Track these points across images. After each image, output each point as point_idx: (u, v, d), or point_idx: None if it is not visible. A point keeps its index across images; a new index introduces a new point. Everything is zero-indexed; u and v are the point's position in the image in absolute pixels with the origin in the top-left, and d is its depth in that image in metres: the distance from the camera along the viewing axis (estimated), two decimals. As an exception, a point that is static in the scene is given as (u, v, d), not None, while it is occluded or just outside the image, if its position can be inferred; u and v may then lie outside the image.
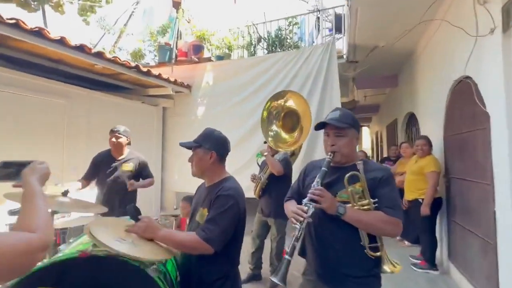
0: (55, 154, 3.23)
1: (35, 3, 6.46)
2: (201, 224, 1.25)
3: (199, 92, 4.89)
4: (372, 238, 1.25)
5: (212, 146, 1.37)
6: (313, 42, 5.36)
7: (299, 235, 1.16)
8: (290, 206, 1.33)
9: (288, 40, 5.35)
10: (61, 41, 2.71)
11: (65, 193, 1.64)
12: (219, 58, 5.15)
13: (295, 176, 1.90)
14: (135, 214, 1.17)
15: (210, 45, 5.37)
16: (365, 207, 1.23)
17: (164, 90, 4.58)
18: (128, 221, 1.24)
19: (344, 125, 1.27)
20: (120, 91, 4.65)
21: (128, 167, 2.63)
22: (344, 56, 4.72)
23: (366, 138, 13.57)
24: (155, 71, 4.19)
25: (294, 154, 3.14)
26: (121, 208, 2.44)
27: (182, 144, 1.40)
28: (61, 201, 1.60)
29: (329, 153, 1.30)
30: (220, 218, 1.21)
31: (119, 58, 3.39)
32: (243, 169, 4.35)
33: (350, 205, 1.24)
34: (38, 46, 2.70)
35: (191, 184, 4.81)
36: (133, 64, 3.61)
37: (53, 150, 3.22)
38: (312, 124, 2.73)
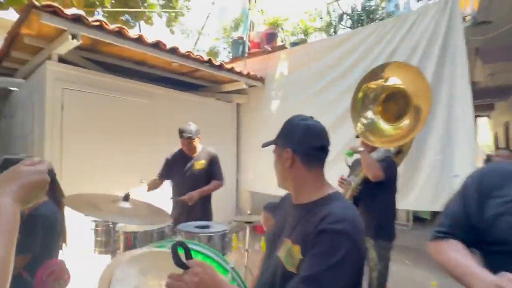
0: (140, 152, 3.38)
1: (133, 21, 7.40)
2: (285, 270, 0.75)
3: (273, 84, 4.47)
4: None
5: (289, 142, 0.88)
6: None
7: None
8: (453, 258, 0.73)
9: (380, 11, 4.32)
10: (139, 40, 2.72)
11: (126, 198, 1.42)
12: (294, 45, 4.61)
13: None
14: (179, 259, 0.66)
15: (284, 32, 4.87)
16: None
17: (237, 85, 4.37)
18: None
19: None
20: (196, 90, 4.71)
21: (200, 164, 2.42)
22: (467, 18, 3.42)
23: (485, 133, 10.43)
24: (229, 66, 4.03)
25: (400, 152, 2.29)
26: (196, 211, 2.25)
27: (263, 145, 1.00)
28: (122, 207, 1.37)
29: None
30: (330, 276, 0.67)
31: (192, 53, 3.28)
32: (326, 170, 3.69)
33: None
34: (122, 48, 2.82)
35: (267, 184, 4.49)
36: (206, 59, 3.46)
37: (138, 148, 3.37)
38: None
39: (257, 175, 4.71)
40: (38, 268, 1.24)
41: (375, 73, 2.10)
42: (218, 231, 1.78)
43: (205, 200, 2.42)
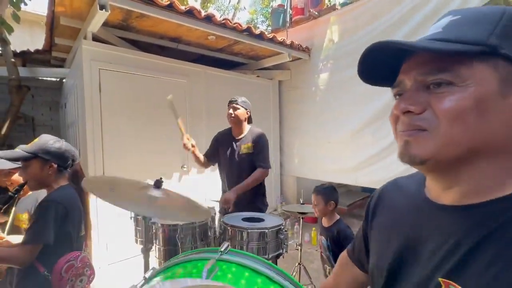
0: (174, 137, 3.19)
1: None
2: None
3: (321, 54, 3.87)
4: None
5: None
6: None
7: None
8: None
9: None
10: (171, 7, 2.42)
11: (158, 183, 1.12)
12: (346, 4, 3.88)
13: None
14: None
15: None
16: None
17: (279, 58, 3.88)
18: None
19: (453, 46, 0.35)
20: (235, 68, 4.36)
21: (247, 148, 2.06)
22: None
23: None
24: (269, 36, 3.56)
25: None
26: (249, 203, 1.93)
27: None
28: (152, 196, 1.08)
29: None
30: None
31: (230, 20, 2.89)
32: (386, 155, 3.11)
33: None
34: (154, 22, 2.58)
35: (314, 169, 4.02)
36: (244, 27, 3.04)
37: (173, 133, 3.18)
38: None
39: (303, 159, 4.27)
40: (55, 262, 1.05)
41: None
42: (271, 226, 1.42)
43: (260, 188, 2.07)
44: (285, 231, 1.51)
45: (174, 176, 3.20)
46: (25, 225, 1.37)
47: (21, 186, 1.13)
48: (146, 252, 1.20)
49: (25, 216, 1.35)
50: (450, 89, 0.37)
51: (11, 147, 2.45)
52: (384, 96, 3.10)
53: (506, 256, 0.33)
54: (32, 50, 3.93)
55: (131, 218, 1.88)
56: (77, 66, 2.79)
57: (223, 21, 2.82)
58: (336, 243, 1.74)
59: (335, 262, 1.71)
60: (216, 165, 2.21)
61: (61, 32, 2.94)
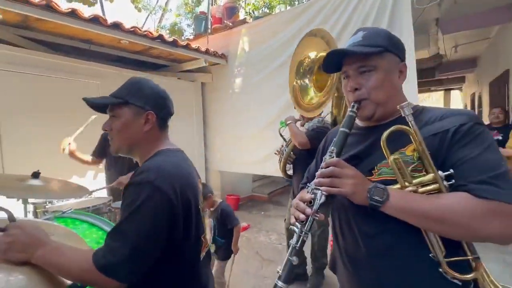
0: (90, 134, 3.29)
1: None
2: None
3: (236, 61, 4.37)
4: (453, 246, 0.66)
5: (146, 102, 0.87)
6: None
7: (298, 243, 0.67)
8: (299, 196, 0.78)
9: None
10: (73, 14, 2.55)
11: (35, 175, 1.40)
12: (257, 19, 4.46)
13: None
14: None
15: (246, 5, 4.69)
16: (429, 187, 0.65)
17: (198, 63, 4.24)
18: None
19: (372, 49, 0.72)
20: (159, 69, 4.55)
21: None
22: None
23: (457, 104, 10.74)
24: (192, 44, 3.88)
25: (337, 123, 2.34)
26: None
27: (88, 102, 0.89)
28: (31, 184, 1.36)
29: (352, 104, 0.75)
30: (129, 222, 0.71)
31: (139, 29, 3.12)
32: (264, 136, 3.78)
33: (397, 186, 0.68)
34: (59, 25, 2.65)
35: (235, 163, 4.53)
36: (156, 35, 3.31)
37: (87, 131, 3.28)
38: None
39: (224, 154, 4.74)
40: None
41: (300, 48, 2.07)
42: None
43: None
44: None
45: (72, 169, 3.30)
46: None
47: None
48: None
49: None
50: (371, 73, 0.72)
51: None
52: (283, 97, 3.74)
53: None
54: None
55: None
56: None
57: (132, 29, 3.04)
58: (220, 220, 2.19)
59: (219, 235, 2.17)
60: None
61: None
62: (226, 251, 2.14)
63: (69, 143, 2.18)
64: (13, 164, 2.67)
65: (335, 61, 0.78)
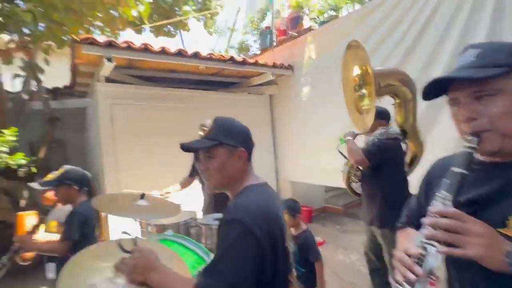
0: (178, 153, 3.76)
1: (174, 30, 8.02)
2: None
3: (302, 71, 4.32)
4: None
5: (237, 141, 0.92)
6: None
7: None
8: (401, 244, 0.72)
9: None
10: (163, 51, 3.01)
11: (142, 196, 1.67)
12: (322, 24, 4.31)
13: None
14: (123, 247, 0.85)
15: (311, 12, 4.60)
16: None
17: (266, 77, 4.38)
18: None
19: (491, 71, 0.57)
20: (230, 86, 4.91)
21: None
22: None
23: None
24: (259, 59, 4.09)
25: (406, 133, 1.99)
26: (215, 209, 2.42)
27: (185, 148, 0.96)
28: (139, 205, 1.62)
29: (469, 136, 0.60)
30: (224, 261, 0.75)
31: (214, 54, 3.45)
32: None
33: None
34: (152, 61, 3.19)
35: (306, 173, 4.43)
36: (228, 57, 3.58)
37: (176, 150, 3.75)
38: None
39: (296, 165, 4.70)
40: None
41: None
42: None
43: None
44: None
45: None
46: (54, 229, 1.96)
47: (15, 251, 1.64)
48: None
49: (54, 223, 1.95)
50: (494, 98, 0.57)
51: (48, 168, 3.13)
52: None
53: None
54: (59, 85, 4.74)
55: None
56: (93, 101, 3.47)
57: (208, 56, 3.38)
58: (301, 248, 2.07)
59: (299, 264, 2.09)
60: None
61: (81, 74, 3.65)
62: (308, 281, 2.05)
63: (169, 192, 2.51)
64: (128, 182, 3.26)
65: (437, 87, 0.64)
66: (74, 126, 5.52)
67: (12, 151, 2.12)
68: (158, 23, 6.20)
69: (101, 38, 2.66)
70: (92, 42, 2.58)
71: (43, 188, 1.76)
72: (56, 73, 5.07)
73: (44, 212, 1.94)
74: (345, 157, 2.18)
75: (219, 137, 0.89)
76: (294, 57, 4.41)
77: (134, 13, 4.55)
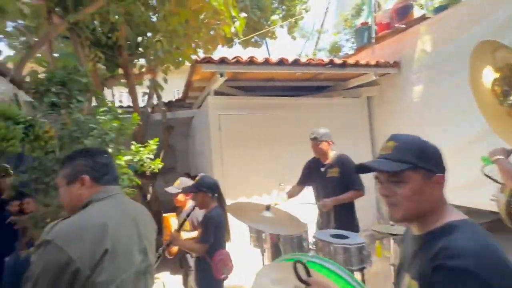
0: (278, 159, 3.83)
1: (260, 40, 8.40)
2: None
3: (412, 67, 3.73)
4: None
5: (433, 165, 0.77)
6: None
7: None
8: None
9: None
10: (266, 62, 3.11)
11: (268, 207, 1.69)
12: (440, 9, 3.62)
13: None
14: (300, 277, 0.81)
15: (423, -2, 3.94)
16: None
17: (366, 78, 4.00)
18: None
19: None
20: (323, 90, 4.71)
21: (333, 172, 2.42)
22: None
23: None
24: (354, 59, 3.79)
25: None
26: (336, 222, 2.27)
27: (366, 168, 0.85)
28: (265, 216, 1.65)
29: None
30: None
31: (313, 59, 3.36)
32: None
33: None
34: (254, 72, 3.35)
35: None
36: (327, 60, 3.43)
37: (277, 156, 3.82)
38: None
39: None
40: (213, 255, 1.74)
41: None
42: (355, 243, 1.75)
43: (348, 209, 2.37)
44: (367, 249, 1.78)
45: (274, 192, 3.84)
46: (187, 228, 2.23)
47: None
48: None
49: (187, 223, 2.21)
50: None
51: (164, 169, 3.63)
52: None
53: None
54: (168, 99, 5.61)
55: (247, 225, 2.58)
56: (203, 112, 3.89)
57: (307, 62, 3.31)
58: None
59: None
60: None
61: (193, 89, 4.18)
62: None
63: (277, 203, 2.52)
64: (233, 188, 3.49)
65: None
66: (181, 133, 6.43)
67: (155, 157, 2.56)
68: (251, 35, 6.61)
69: (215, 56, 2.95)
70: (209, 61, 2.89)
71: (180, 192, 2.03)
72: (167, 88, 6.00)
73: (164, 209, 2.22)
74: (495, 181, 1.70)
75: (413, 160, 0.74)
76: (400, 52, 3.87)
77: (232, 29, 4.98)
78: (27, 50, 2.77)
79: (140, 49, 4.05)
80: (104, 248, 0.82)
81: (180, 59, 4.85)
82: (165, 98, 5.70)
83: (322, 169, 2.46)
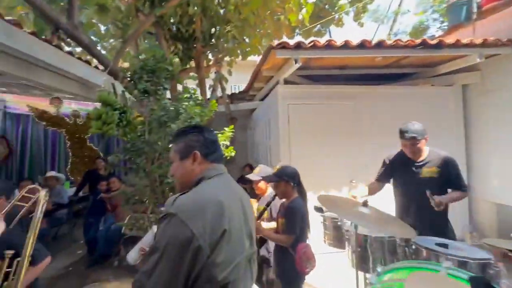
0: (348, 153, 3.51)
1: (324, 29, 7.92)
2: None
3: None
4: None
5: None
6: None
7: None
8: None
9: None
10: (345, 45, 2.81)
11: (365, 203, 1.48)
12: None
13: None
14: None
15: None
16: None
17: (464, 61, 3.32)
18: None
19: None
20: (402, 79, 4.14)
21: (431, 172, 2.02)
22: None
23: None
24: (447, 40, 3.17)
25: None
26: (431, 230, 1.91)
27: None
28: (362, 212, 1.44)
29: None
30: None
31: (401, 40, 2.91)
32: None
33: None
34: (328, 58, 3.08)
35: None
36: (418, 41, 2.93)
37: (347, 149, 3.51)
38: None
39: (506, 181, 3.33)
40: (296, 247, 1.61)
41: None
42: (476, 258, 1.40)
43: (444, 214, 2.00)
44: (496, 267, 1.41)
45: (343, 189, 3.53)
46: (266, 215, 2.15)
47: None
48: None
49: (266, 212, 2.12)
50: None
51: (225, 161, 3.68)
52: None
53: None
54: (234, 90, 5.67)
55: (321, 222, 2.39)
56: (271, 102, 3.79)
57: (394, 43, 2.88)
58: None
59: None
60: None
61: (259, 79, 4.11)
62: None
63: (355, 196, 2.25)
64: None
65: None
66: (241, 125, 6.51)
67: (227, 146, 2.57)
68: (315, 24, 6.25)
69: (290, 41, 2.78)
70: (284, 46, 2.74)
71: (261, 179, 1.95)
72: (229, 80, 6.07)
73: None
74: None
75: None
76: (515, 28, 3.09)
77: (299, 17, 4.74)
78: (122, 44, 3.07)
79: (213, 40, 4.15)
80: (223, 228, 0.76)
81: (248, 49, 4.87)
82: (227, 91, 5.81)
83: (414, 168, 2.09)
